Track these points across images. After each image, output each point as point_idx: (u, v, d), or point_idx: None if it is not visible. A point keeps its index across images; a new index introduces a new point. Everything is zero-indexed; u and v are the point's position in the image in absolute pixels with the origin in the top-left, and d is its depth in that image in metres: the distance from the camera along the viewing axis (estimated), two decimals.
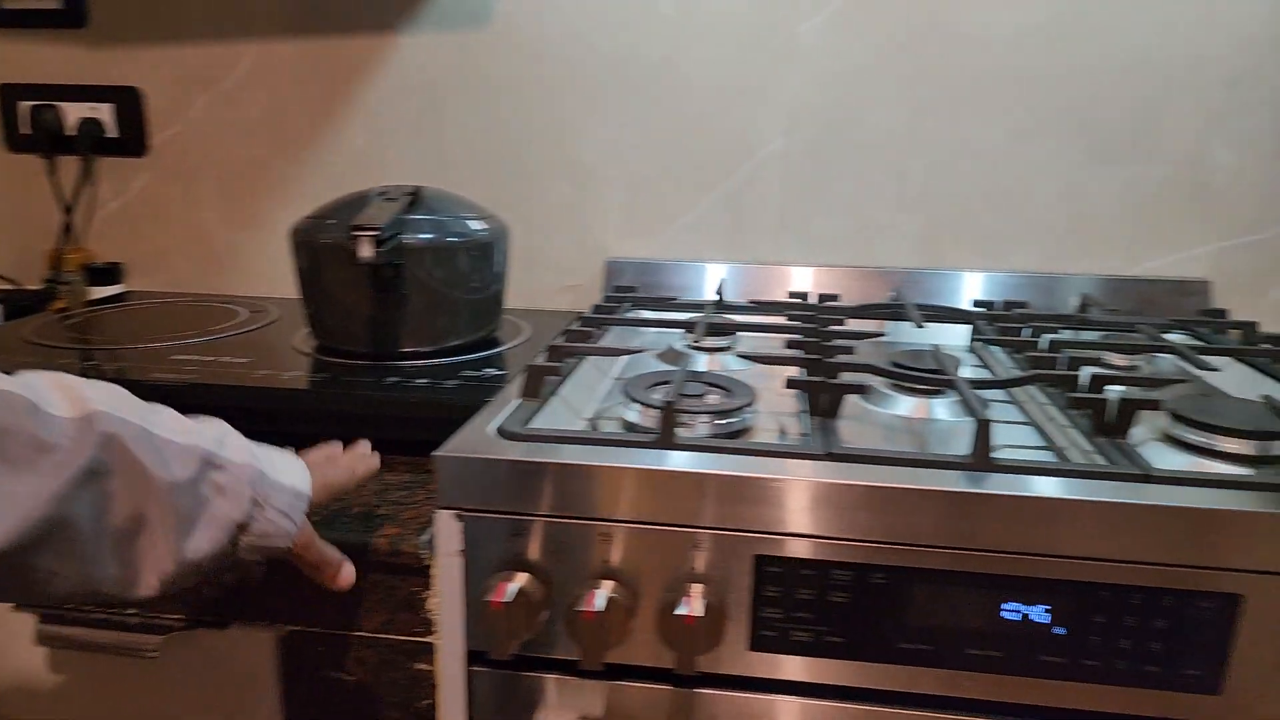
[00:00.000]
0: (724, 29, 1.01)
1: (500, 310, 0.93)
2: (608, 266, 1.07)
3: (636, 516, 0.57)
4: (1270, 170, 0.98)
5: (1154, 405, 0.62)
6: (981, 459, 0.56)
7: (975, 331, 0.90)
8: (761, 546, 0.56)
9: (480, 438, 0.60)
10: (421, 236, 0.82)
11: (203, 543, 0.49)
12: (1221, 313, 0.95)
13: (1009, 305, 0.94)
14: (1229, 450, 0.63)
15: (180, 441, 0.49)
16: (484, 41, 1.04)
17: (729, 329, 0.87)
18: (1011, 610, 0.55)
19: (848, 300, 1.01)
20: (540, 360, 0.67)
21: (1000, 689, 0.56)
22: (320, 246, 0.81)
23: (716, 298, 0.96)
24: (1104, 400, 0.62)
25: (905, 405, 0.74)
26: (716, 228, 1.07)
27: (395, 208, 0.78)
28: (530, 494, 0.57)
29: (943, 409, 0.74)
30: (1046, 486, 0.54)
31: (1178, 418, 0.65)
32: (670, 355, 0.86)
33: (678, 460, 0.57)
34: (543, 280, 1.10)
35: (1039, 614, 0.55)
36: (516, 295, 1.11)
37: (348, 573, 0.59)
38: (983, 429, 0.57)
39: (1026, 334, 0.85)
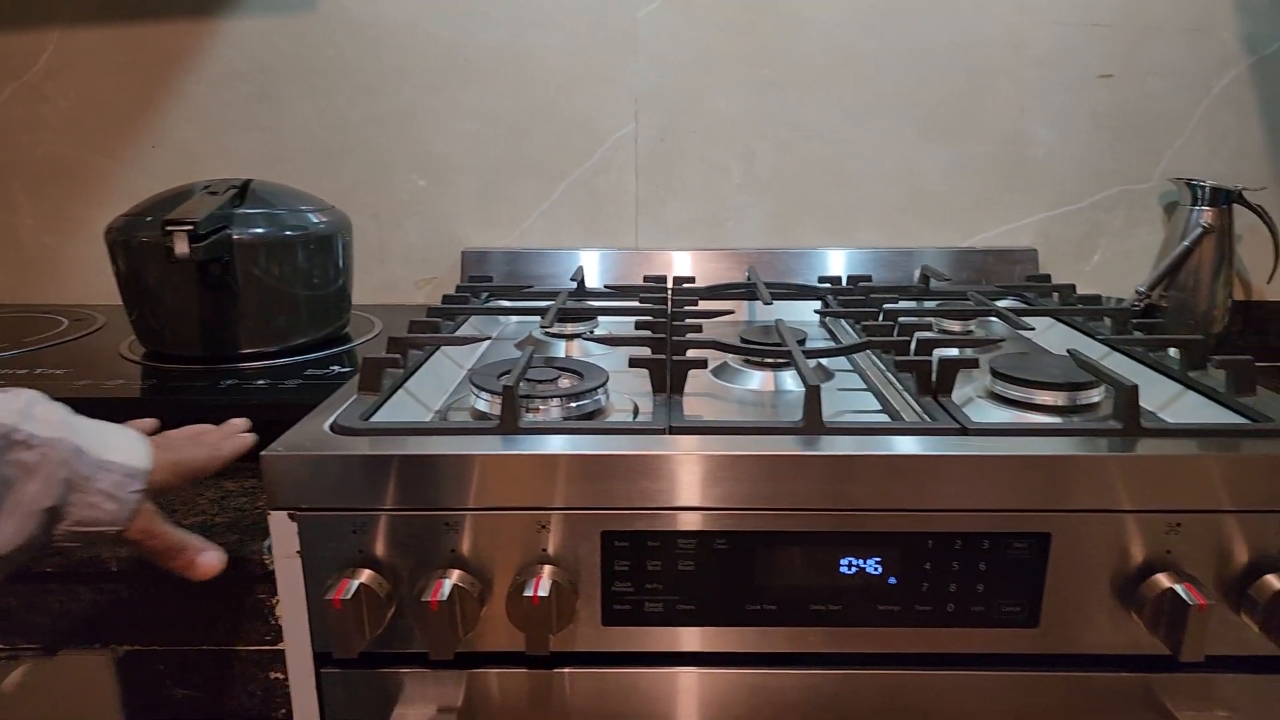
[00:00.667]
0: (563, 16, 1.01)
1: (347, 306, 0.89)
2: (464, 257, 1.05)
3: (480, 503, 0.56)
4: (1084, 144, 1.06)
5: (973, 364, 0.67)
6: (813, 423, 0.58)
7: (824, 305, 0.94)
8: (608, 523, 0.56)
9: (314, 434, 0.58)
10: (253, 231, 0.78)
11: (7, 532, 0.43)
12: (1046, 278, 1.02)
13: (853, 280, 0.98)
14: (1044, 402, 0.68)
15: None
16: (315, 26, 1.00)
17: (586, 314, 0.87)
18: (848, 565, 0.58)
19: (704, 281, 1.03)
20: (379, 353, 0.65)
21: (844, 640, 0.59)
22: (137, 246, 0.75)
23: (574, 284, 0.96)
24: (928, 362, 0.66)
25: (756, 379, 0.76)
26: (574, 215, 1.06)
27: (217, 201, 0.73)
28: (368, 489, 0.55)
29: (791, 381, 0.76)
30: (873, 445, 0.57)
31: (998, 375, 0.70)
32: (529, 343, 0.86)
33: (520, 445, 0.57)
34: (397, 274, 1.07)
35: (873, 566, 0.58)
36: (370, 290, 1.08)
37: (209, 559, 0.53)
38: (812, 394, 0.59)
39: (867, 306, 0.89)
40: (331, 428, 0.59)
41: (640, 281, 1.02)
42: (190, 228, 0.67)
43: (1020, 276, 1.06)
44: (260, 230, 0.78)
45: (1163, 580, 0.56)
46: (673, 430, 0.58)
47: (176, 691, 0.65)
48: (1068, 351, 0.70)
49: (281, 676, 0.64)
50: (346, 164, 1.05)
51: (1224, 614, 0.58)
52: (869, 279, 1.00)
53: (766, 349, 0.70)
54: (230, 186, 0.80)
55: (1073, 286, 0.95)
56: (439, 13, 1.00)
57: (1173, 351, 0.77)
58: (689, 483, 0.56)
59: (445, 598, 0.54)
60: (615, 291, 0.93)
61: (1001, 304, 0.96)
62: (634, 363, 0.66)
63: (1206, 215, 1.01)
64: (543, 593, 0.54)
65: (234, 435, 0.58)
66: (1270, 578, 0.56)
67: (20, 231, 1.07)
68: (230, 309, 0.78)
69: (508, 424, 0.58)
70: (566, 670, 0.59)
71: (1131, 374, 0.76)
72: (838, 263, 1.06)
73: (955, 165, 1.06)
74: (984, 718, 0.60)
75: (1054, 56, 1.03)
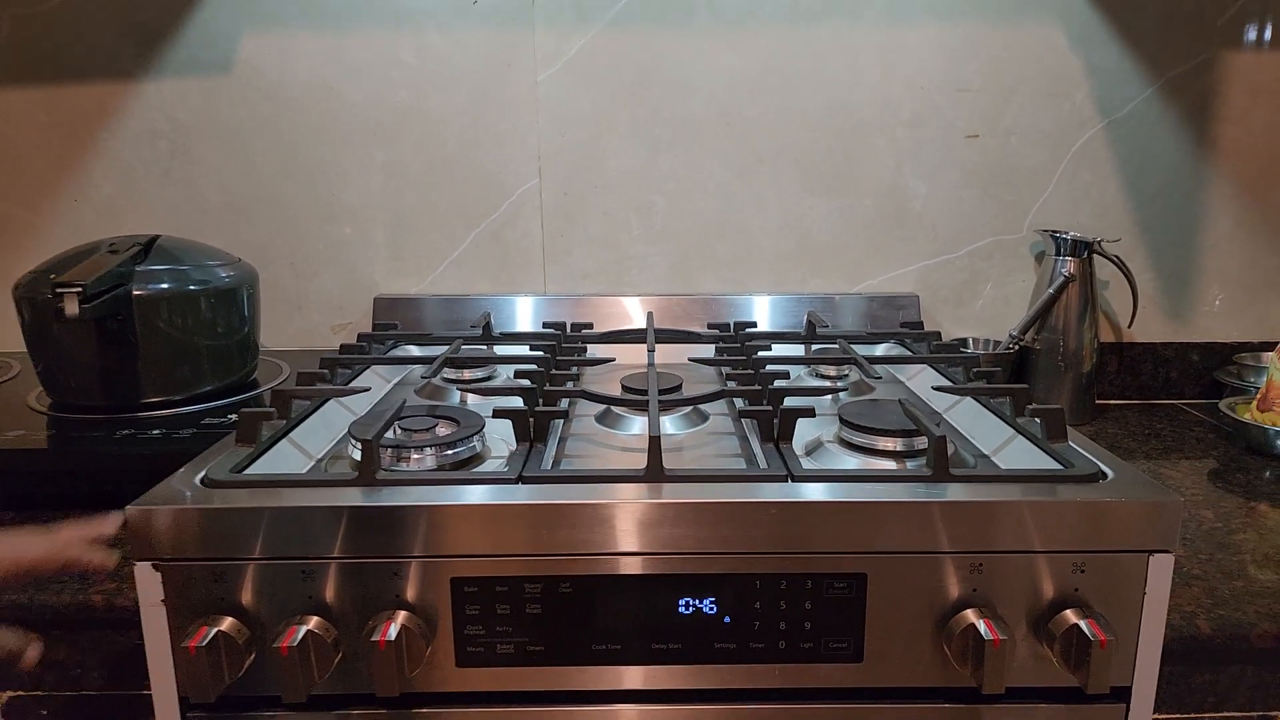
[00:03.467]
0: (467, 78, 1.07)
1: (253, 353, 0.94)
2: (376, 303, 1.09)
3: (337, 553, 0.60)
4: (958, 198, 1.14)
5: (809, 413, 0.72)
6: (654, 471, 0.64)
7: (717, 352, 0.99)
8: (457, 569, 0.61)
9: (183, 487, 0.62)
10: (155, 286, 0.82)
11: None
12: (919, 324, 1.09)
13: (739, 326, 1.04)
14: (885, 448, 0.74)
15: None
16: (228, 87, 1.05)
17: (479, 362, 0.92)
18: (685, 605, 0.63)
19: (608, 326, 1.08)
20: (258, 407, 0.70)
21: (684, 677, 0.64)
22: (39, 303, 0.79)
23: (478, 331, 1.01)
24: (769, 411, 0.72)
25: (638, 424, 0.82)
26: (483, 263, 1.12)
27: (116, 260, 0.78)
28: (228, 539, 0.60)
29: (671, 425, 0.82)
30: (706, 493, 0.62)
31: (845, 423, 0.75)
32: (427, 389, 0.91)
33: (377, 496, 0.61)
34: (315, 320, 1.11)
35: (708, 606, 0.63)
36: (289, 337, 1.12)
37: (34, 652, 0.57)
38: (653, 445, 0.64)
39: (742, 354, 0.95)
40: (201, 481, 0.63)
41: (541, 327, 1.07)
42: (80, 289, 0.71)
43: (903, 321, 1.13)
44: (163, 285, 0.83)
45: (967, 616, 0.62)
46: (522, 480, 0.63)
47: None
48: (899, 401, 0.76)
49: None
50: (263, 217, 1.09)
51: (1032, 647, 0.64)
52: (754, 325, 1.06)
53: (624, 399, 0.76)
54: (135, 244, 0.84)
55: (938, 334, 1.02)
56: (348, 75, 1.06)
57: None
58: (532, 529, 0.61)
59: (297, 644, 0.58)
60: (511, 337, 0.98)
61: (879, 348, 1.03)
62: (498, 413, 0.71)
63: (1069, 265, 1.09)
64: (390, 637, 0.58)
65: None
66: (1068, 613, 0.62)
67: None
68: (130, 361, 0.82)
69: (365, 476, 0.62)
70: (424, 710, 0.63)
71: (974, 418, 0.83)
72: (734, 308, 1.12)
73: (838, 217, 1.13)
74: None
75: (923, 118, 1.11)
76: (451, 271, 1.12)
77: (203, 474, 0.64)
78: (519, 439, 0.71)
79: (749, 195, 1.12)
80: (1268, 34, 1.10)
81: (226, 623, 0.59)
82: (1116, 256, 1.09)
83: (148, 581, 0.60)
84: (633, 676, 0.63)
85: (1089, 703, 0.65)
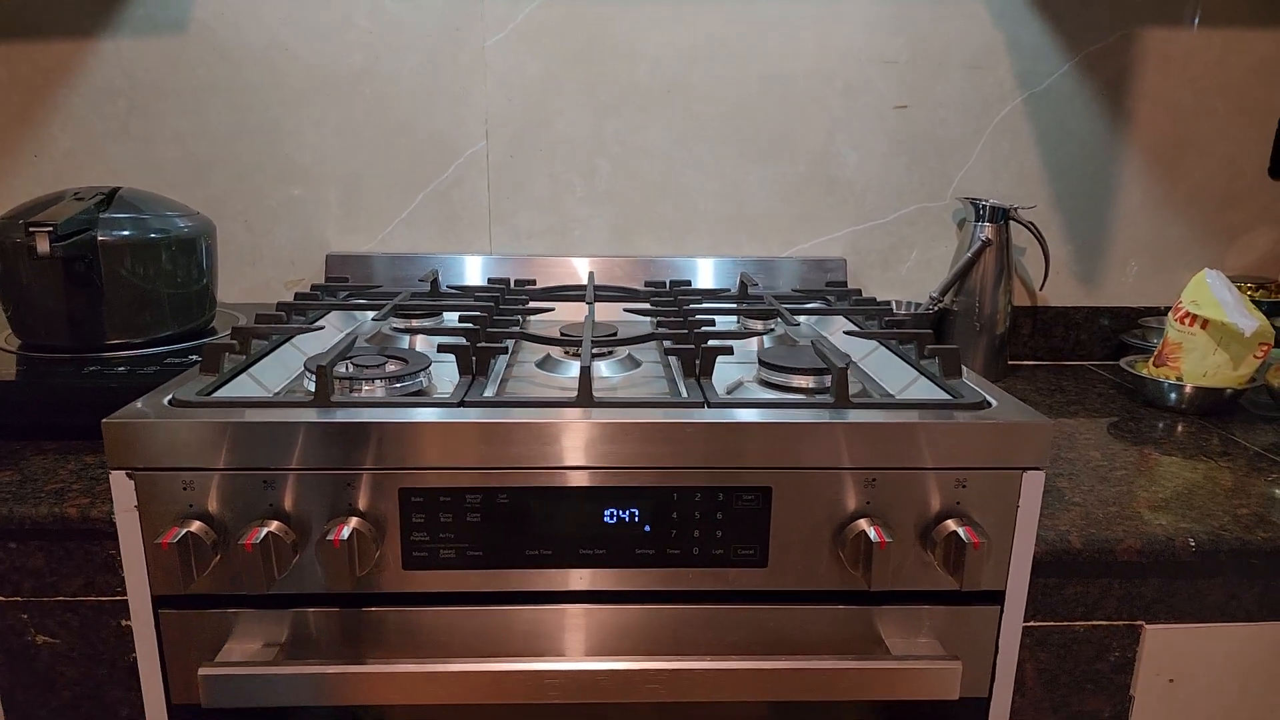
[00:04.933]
0: (417, 42, 1.12)
1: (210, 303, 0.98)
2: (329, 260, 1.14)
3: (296, 464, 0.66)
4: (886, 166, 1.22)
5: (728, 351, 0.80)
6: (584, 397, 0.71)
7: (652, 306, 1.07)
8: (405, 481, 0.67)
9: (153, 406, 0.68)
10: (118, 233, 0.87)
11: None
12: (843, 284, 1.18)
13: (675, 284, 1.11)
14: (799, 385, 0.82)
15: None
16: (185, 46, 1.09)
17: (427, 311, 0.98)
18: (610, 515, 0.70)
19: (549, 284, 1.15)
20: (220, 339, 0.75)
21: (610, 579, 0.71)
22: (9, 247, 0.83)
23: (427, 287, 1.07)
24: (693, 349, 0.79)
25: (574, 368, 0.88)
26: (432, 223, 1.17)
27: (82, 206, 0.82)
28: (197, 451, 0.65)
29: (606, 369, 0.89)
30: (630, 415, 0.69)
31: (763, 364, 0.83)
32: (378, 338, 0.96)
33: (331, 414, 0.67)
34: (266, 275, 1.16)
35: (630, 516, 0.70)
36: (243, 291, 1.17)
37: None
38: (584, 374, 0.71)
39: (673, 307, 1.03)
40: (170, 401, 0.69)
41: (485, 283, 1.13)
42: (51, 229, 0.75)
43: (829, 281, 1.21)
44: (125, 233, 0.87)
45: (860, 525, 0.70)
46: (464, 404, 0.70)
47: (39, 639, 0.74)
48: (811, 344, 0.84)
49: (129, 623, 0.73)
50: (218, 174, 1.13)
51: (919, 555, 0.72)
52: (689, 284, 1.14)
53: (561, 340, 0.82)
54: (98, 193, 0.88)
55: (858, 291, 1.10)
56: (304, 37, 1.10)
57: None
58: (474, 445, 0.67)
59: (259, 541, 0.64)
60: (457, 292, 1.04)
61: (807, 307, 1.11)
62: (442, 348, 0.78)
63: (986, 230, 1.18)
64: (342, 537, 0.65)
65: None
66: (949, 522, 0.71)
67: None
68: (96, 304, 0.87)
69: (321, 398, 0.69)
70: (374, 609, 0.70)
71: (884, 364, 0.91)
72: (673, 270, 1.19)
73: (774, 183, 1.21)
74: (727, 646, 0.73)
75: (855, 89, 1.18)
76: (401, 230, 1.17)
77: (170, 396, 0.69)
78: (461, 372, 0.77)
79: (690, 161, 1.19)
80: (1184, 10, 1.19)
81: (195, 525, 0.65)
82: (1031, 223, 1.18)
83: (122, 489, 0.65)
84: (563, 579, 0.71)
85: (968, 604, 0.74)
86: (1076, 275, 1.28)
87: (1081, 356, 1.30)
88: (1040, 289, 1.25)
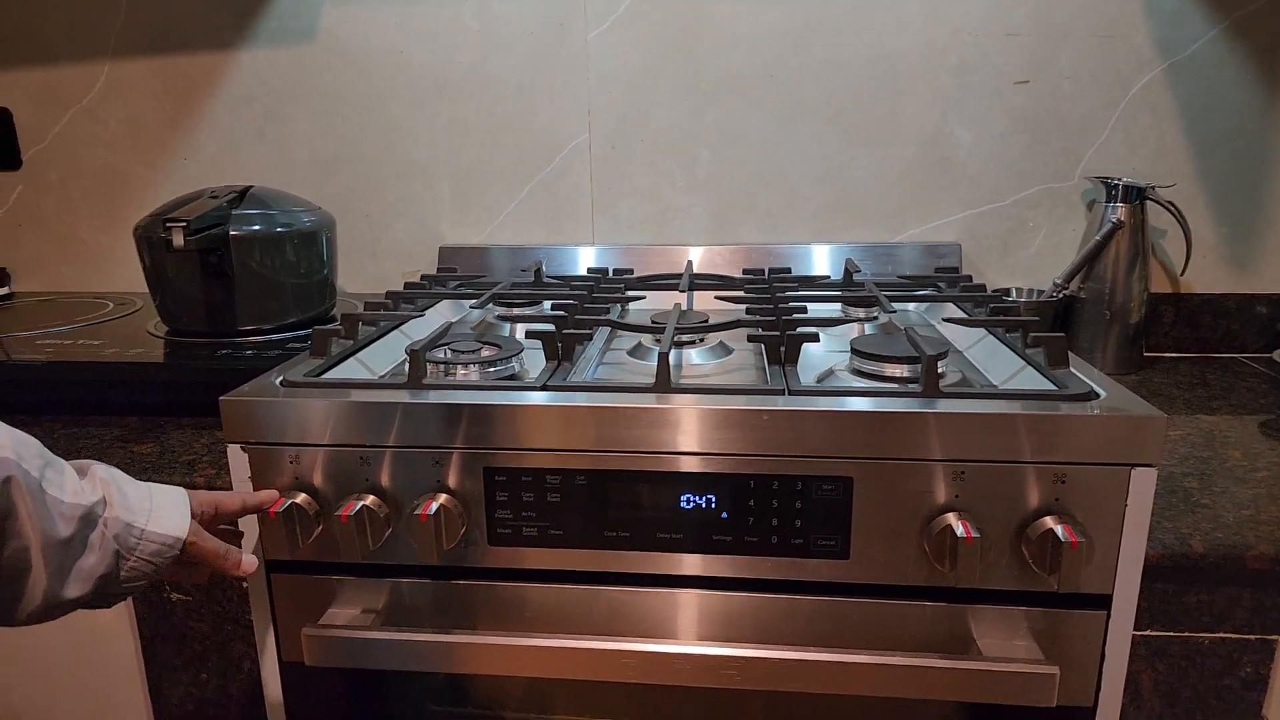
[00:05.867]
0: (523, 38, 1.15)
1: (331, 293, 1.06)
2: (441, 252, 1.20)
3: (390, 442, 0.71)
4: (1004, 146, 1.15)
5: (813, 338, 0.78)
6: (663, 384, 0.71)
7: (747, 294, 1.05)
8: (490, 461, 0.70)
9: (267, 386, 0.74)
10: (248, 228, 0.95)
11: (72, 590, 0.56)
12: (954, 269, 1.12)
13: (771, 273, 1.09)
14: (891, 374, 0.79)
15: (68, 500, 0.55)
16: (313, 55, 1.17)
17: (527, 300, 1.01)
18: (687, 500, 0.70)
19: (649, 272, 1.16)
20: (328, 326, 0.81)
21: (686, 564, 0.71)
22: (154, 241, 0.93)
23: (530, 276, 1.10)
24: (777, 336, 0.78)
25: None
26: (538, 214, 1.21)
27: (215, 204, 0.90)
28: (302, 427, 0.71)
29: (697, 356, 0.89)
30: (709, 402, 0.69)
31: (855, 353, 0.81)
32: (482, 325, 1.01)
33: (421, 396, 0.71)
34: (385, 267, 1.23)
35: (707, 502, 0.70)
36: (363, 281, 1.25)
37: (248, 561, 0.65)
38: (662, 360, 0.71)
39: (767, 294, 1.01)
40: (280, 382, 0.74)
41: (585, 273, 1.15)
42: (185, 224, 0.84)
43: (939, 268, 1.15)
44: (255, 227, 0.95)
45: (947, 518, 0.67)
46: (546, 388, 0.72)
47: (173, 596, 0.82)
48: (904, 331, 0.80)
49: (248, 584, 0.80)
50: (343, 172, 1.22)
51: (1015, 553, 0.68)
52: (787, 271, 1.11)
53: (649, 328, 0.83)
54: (231, 191, 0.97)
55: (969, 277, 1.04)
56: (418, 40, 1.16)
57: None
58: (553, 429, 0.69)
59: (355, 513, 0.68)
60: (557, 281, 1.07)
61: (916, 293, 1.06)
62: (530, 334, 0.80)
63: (1119, 211, 1.09)
64: (430, 512, 0.68)
65: (257, 495, 0.70)
66: (1046, 520, 0.66)
67: (80, 231, 1.28)
68: (229, 293, 0.95)
69: (414, 380, 0.72)
70: (461, 582, 0.74)
71: (990, 353, 0.86)
72: (774, 257, 1.17)
73: (880, 167, 1.16)
74: (806, 636, 0.71)
75: (970, 65, 1.12)
76: (510, 222, 1.21)
77: (281, 377, 0.75)
78: (548, 357, 0.79)
79: (791, 146, 1.16)
80: None
81: (300, 497, 0.70)
82: (1170, 203, 1.08)
83: (238, 461, 0.72)
84: (640, 561, 0.72)
85: (1069, 607, 0.69)
86: (1226, 259, 1.16)
87: (1232, 348, 1.18)
88: (1182, 274, 1.14)
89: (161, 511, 0.60)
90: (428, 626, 0.73)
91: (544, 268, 1.16)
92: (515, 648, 0.69)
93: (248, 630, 0.81)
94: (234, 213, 0.94)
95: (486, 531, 0.72)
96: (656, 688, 0.74)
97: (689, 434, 0.69)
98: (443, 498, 0.70)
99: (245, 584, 0.80)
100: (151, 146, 1.23)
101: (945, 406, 0.67)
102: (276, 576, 0.75)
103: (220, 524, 0.68)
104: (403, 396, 0.71)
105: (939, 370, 0.71)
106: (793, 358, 0.77)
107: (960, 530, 0.65)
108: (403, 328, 0.95)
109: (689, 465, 0.69)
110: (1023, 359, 0.81)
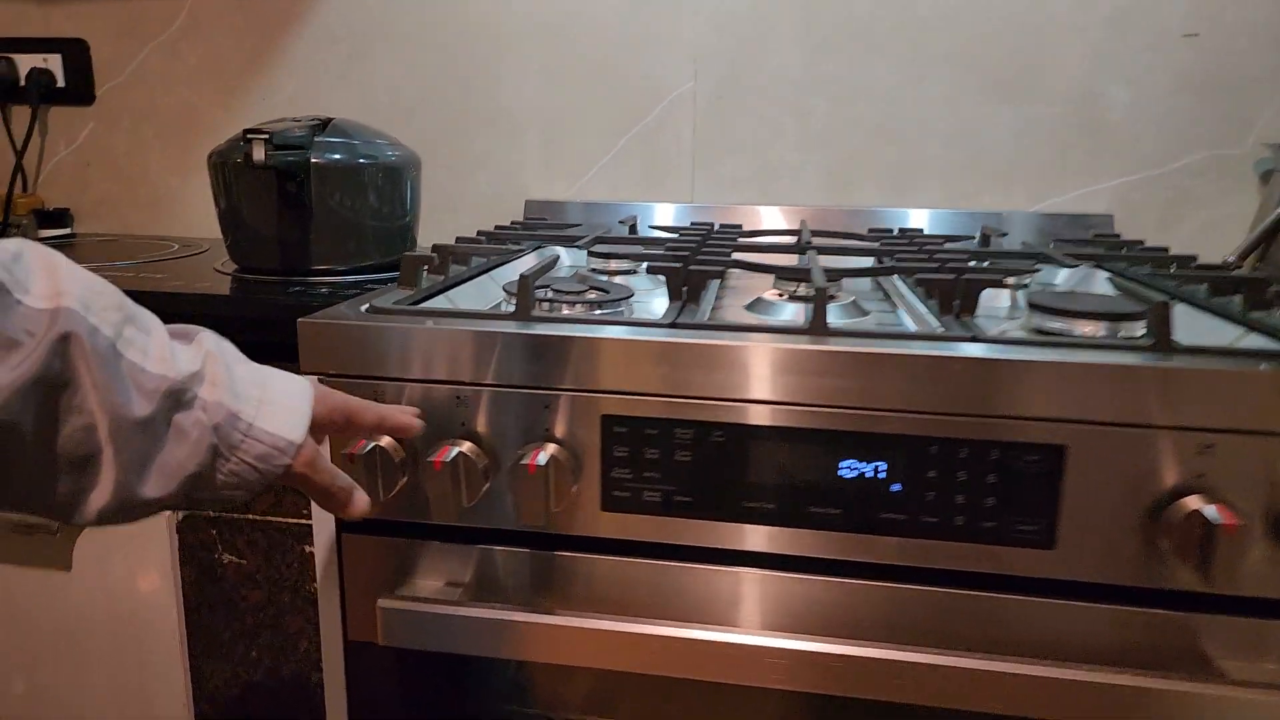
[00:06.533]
0: None
1: (412, 241, 0.96)
2: (528, 206, 1.10)
3: (491, 380, 0.59)
4: (1166, 107, 1.01)
5: (997, 283, 0.65)
6: (818, 326, 0.58)
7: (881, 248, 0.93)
8: (609, 407, 0.58)
9: (350, 313, 0.63)
10: (330, 156, 0.85)
11: (151, 488, 0.42)
12: (1116, 235, 0.98)
13: (905, 232, 0.96)
14: (1085, 332, 0.65)
15: (151, 370, 0.41)
16: None
17: (625, 255, 0.90)
18: (848, 468, 0.57)
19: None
20: (419, 253, 0.70)
21: (843, 547, 0.58)
22: (228, 165, 0.84)
23: (626, 230, 0.99)
24: (952, 280, 0.65)
25: (789, 312, 0.76)
26: (632, 169, 1.10)
27: (298, 126, 0.81)
28: (388, 359, 0.60)
29: (833, 315, 0.76)
30: (877, 346, 0.56)
31: (1037, 308, 0.67)
32: (577, 276, 0.89)
33: (531, 328, 0.59)
34: (467, 223, 1.13)
35: (873, 471, 0.57)
36: (441, 235, 1.14)
37: (361, 502, 0.50)
38: (820, 298, 0.59)
39: (911, 249, 0.88)
40: (367, 309, 0.63)
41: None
42: (267, 136, 0.74)
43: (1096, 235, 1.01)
44: (336, 156, 0.85)
45: (1191, 502, 0.53)
46: (676, 325, 0.60)
47: (225, 558, 0.71)
48: (1109, 280, 0.67)
49: (313, 549, 0.69)
50: (426, 119, 1.12)
51: (1269, 550, 0.54)
52: (921, 232, 0.98)
53: (784, 268, 0.71)
54: (314, 119, 0.88)
55: (1141, 242, 0.90)
56: None
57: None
58: (688, 372, 0.57)
59: (450, 460, 0.57)
60: (661, 232, 0.96)
61: (1083, 252, 0.92)
62: (652, 268, 0.69)
63: None
64: (540, 462, 0.56)
65: (402, 410, 0.54)
66: None
67: (150, 172, 1.20)
68: (305, 227, 0.85)
69: (521, 311, 0.61)
70: (564, 553, 0.61)
71: (1188, 321, 0.72)
72: (895, 222, 1.05)
73: (1018, 126, 1.03)
74: (995, 645, 0.58)
75: (1127, 15, 0.99)
76: (601, 176, 1.10)
77: (369, 305, 0.64)
78: (672, 298, 0.67)
79: (918, 101, 1.04)
80: None
81: (385, 440, 0.59)
82: None
83: None
84: (786, 540, 0.59)
85: None
86: None
87: None
88: None
89: (275, 404, 0.45)
90: (524, 605, 0.60)
91: (638, 224, 1.05)
92: (641, 636, 0.57)
93: (308, 602, 0.70)
94: (316, 140, 0.84)
95: (601, 493, 0.59)
96: (807, 696, 0.60)
97: (856, 386, 0.56)
98: (552, 448, 0.58)
99: (309, 548, 0.69)
100: (229, 85, 1.15)
101: (1185, 363, 0.54)
102: (348, 538, 0.64)
103: (350, 437, 0.54)
104: (510, 327, 0.59)
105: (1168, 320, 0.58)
106: (969, 305, 0.64)
107: (1216, 516, 0.51)
108: (492, 274, 0.84)
109: (853, 423, 0.56)
110: (1242, 325, 0.67)
